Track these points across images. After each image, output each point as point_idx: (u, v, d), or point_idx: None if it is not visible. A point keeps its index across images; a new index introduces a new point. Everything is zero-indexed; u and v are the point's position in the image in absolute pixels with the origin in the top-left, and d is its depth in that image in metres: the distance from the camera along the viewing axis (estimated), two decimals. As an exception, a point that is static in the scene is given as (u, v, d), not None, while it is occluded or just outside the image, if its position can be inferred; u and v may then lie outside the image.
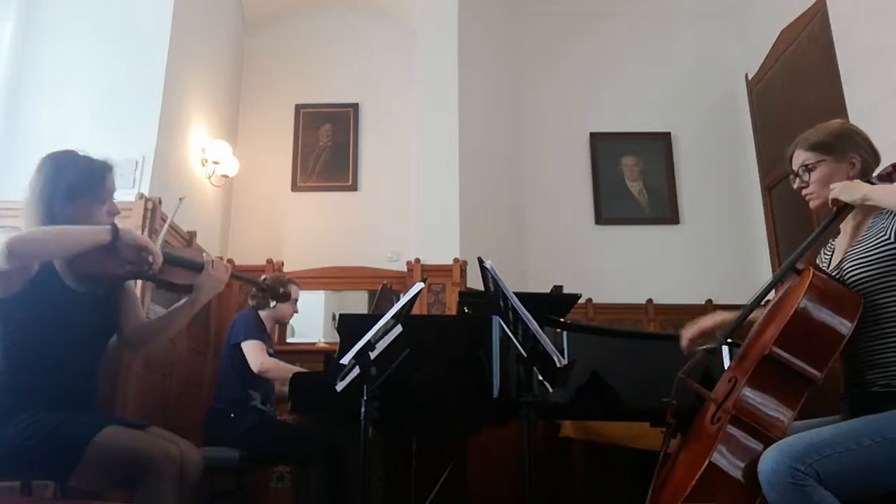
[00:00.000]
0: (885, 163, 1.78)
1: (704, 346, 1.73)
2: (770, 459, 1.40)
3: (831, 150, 1.71)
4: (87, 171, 1.87)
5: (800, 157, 1.76)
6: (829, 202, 1.63)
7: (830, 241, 1.81)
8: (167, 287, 1.99)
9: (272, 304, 3.15)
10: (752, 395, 1.53)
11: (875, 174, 1.67)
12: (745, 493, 1.44)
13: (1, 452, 1.64)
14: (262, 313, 3.14)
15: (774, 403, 1.52)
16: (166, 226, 2.13)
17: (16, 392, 1.71)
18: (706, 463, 1.45)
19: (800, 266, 1.66)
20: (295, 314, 3.35)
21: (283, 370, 2.93)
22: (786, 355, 1.51)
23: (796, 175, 1.77)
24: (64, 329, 1.77)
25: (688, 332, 1.88)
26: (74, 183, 1.82)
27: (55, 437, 1.64)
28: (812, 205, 1.75)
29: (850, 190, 1.57)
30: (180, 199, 2.29)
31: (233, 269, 2.09)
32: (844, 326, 1.52)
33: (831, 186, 1.62)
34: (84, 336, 1.85)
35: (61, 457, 1.64)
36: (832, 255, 1.77)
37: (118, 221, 1.85)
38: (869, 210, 1.64)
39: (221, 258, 2.05)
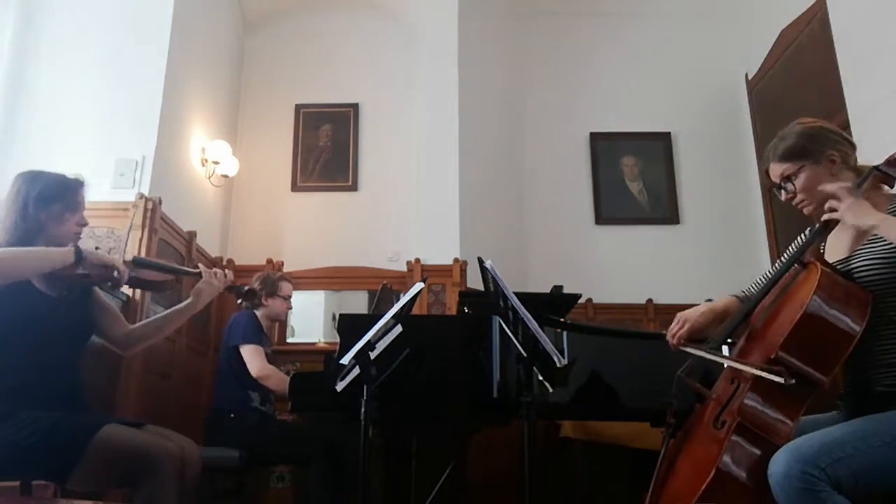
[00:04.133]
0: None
1: (698, 352, 1.68)
2: (781, 463, 1.38)
3: (806, 153, 1.66)
4: (60, 182, 1.96)
5: (776, 170, 1.71)
6: (832, 213, 1.54)
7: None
8: (144, 286, 2.13)
9: (265, 302, 3.15)
10: (756, 400, 1.51)
11: (884, 161, 1.60)
12: (753, 497, 1.43)
13: (3, 450, 1.64)
14: (258, 313, 3.14)
15: (779, 408, 1.50)
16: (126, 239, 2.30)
17: (2, 393, 1.72)
18: (713, 470, 1.43)
19: (805, 259, 1.61)
20: (289, 311, 3.36)
21: (280, 381, 2.92)
22: (792, 360, 1.47)
23: (779, 187, 1.73)
24: (36, 330, 1.80)
25: (677, 332, 1.79)
26: (47, 190, 1.90)
27: (54, 436, 1.65)
28: (806, 211, 1.70)
29: (861, 215, 1.48)
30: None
31: (227, 281, 2.25)
32: (853, 329, 1.47)
33: (837, 199, 1.52)
34: (57, 336, 1.88)
35: (61, 456, 1.64)
36: (825, 247, 1.75)
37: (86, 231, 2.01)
38: (875, 203, 1.63)
39: (220, 269, 2.23)
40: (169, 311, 2.19)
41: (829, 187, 1.54)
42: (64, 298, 1.91)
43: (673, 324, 1.82)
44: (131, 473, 1.66)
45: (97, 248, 2.03)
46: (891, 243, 1.53)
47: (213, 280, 2.16)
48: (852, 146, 1.70)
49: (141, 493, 1.65)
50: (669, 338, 1.80)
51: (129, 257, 2.07)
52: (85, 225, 1.99)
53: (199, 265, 2.23)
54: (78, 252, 1.80)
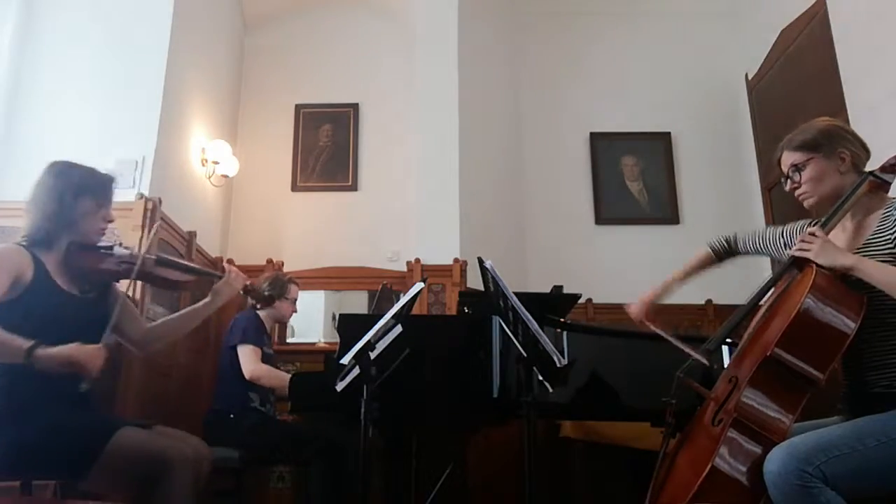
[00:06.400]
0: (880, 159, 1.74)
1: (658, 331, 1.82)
2: (776, 461, 1.39)
3: (818, 147, 1.69)
4: (94, 175, 1.97)
5: (788, 159, 1.75)
6: (804, 252, 1.58)
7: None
8: (162, 284, 2.11)
9: (272, 303, 3.15)
10: (753, 397, 1.52)
11: (879, 167, 1.63)
12: (748, 494, 1.43)
13: (20, 451, 1.65)
14: (262, 313, 3.14)
15: (776, 405, 1.51)
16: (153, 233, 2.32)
17: (14, 392, 1.72)
18: (709, 466, 1.44)
19: (801, 262, 1.63)
20: (294, 314, 3.35)
21: (274, 378, 2.92)
22: (788, 357, 1.48)
23: (787, 177, 1.76)
24: (55, 328, 1.78)
25: (636, 312, 2.06)
26: (82, 181, 1.92)
27: (72, 437, 1.67)
28: (806, 204, 1.73)
29: (830, 255, 1.53)
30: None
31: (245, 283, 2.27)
32: (848, 327, 1.49)
33: (806, 246, 1.57)
34: (74, 334, 1.84)
35: (79, 457, 1.66)
36: None
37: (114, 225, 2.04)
38: (872, 206, 1.64)
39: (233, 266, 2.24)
40: (186, 309, 2.19)
41: (800, 236, 1.61)
42: (85, 296, 1.91)
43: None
44: (147, 476, 1.67)
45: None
46: (885, 248, 1.56)
47: (232, 280, 2.16)
48: (867, 152, 1.72)
49: (157, 494, 1.66)
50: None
51: (152, 255, 2.03)
52: (111, 221, 1.99)
53: (226, 264, 2.24)
54: (29, 351, 1.63)
